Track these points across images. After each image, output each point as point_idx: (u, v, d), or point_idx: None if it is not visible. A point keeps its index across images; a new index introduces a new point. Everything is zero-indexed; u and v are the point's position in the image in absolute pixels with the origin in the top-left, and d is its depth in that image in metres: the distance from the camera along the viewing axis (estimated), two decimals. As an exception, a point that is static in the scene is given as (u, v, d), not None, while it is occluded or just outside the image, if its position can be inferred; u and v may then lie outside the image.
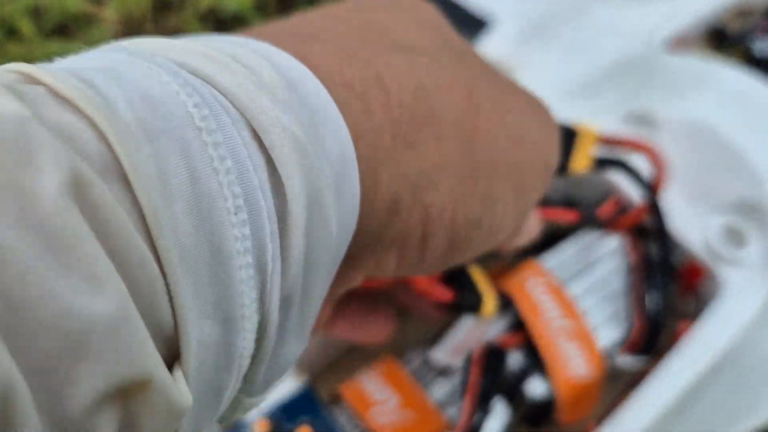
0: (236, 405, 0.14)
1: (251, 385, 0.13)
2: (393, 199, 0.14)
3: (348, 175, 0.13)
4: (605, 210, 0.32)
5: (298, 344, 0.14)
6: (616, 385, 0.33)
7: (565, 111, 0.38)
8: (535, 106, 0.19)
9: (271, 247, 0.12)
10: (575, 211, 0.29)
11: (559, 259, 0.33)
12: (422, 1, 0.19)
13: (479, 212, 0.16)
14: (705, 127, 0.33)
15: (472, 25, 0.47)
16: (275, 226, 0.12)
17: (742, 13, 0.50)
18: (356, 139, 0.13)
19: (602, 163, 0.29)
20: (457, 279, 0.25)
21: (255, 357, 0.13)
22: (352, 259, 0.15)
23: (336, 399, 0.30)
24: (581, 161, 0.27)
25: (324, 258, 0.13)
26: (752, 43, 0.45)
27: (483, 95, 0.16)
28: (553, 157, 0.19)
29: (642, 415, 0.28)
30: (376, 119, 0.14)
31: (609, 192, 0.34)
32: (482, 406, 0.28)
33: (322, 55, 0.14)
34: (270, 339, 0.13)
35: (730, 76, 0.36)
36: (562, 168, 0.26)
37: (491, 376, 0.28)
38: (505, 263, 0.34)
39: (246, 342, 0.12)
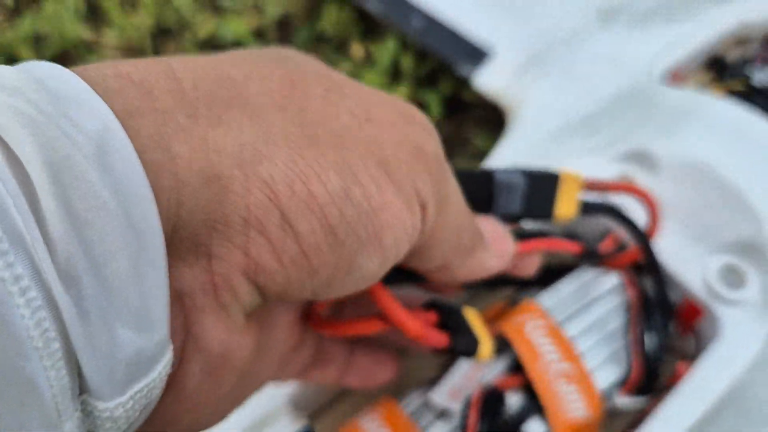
0: (88, 410, 0.14)
1: (87, 382, 0.13)
2: (212, 173, 0.15)
3: (115, 145, 0.13)
4: (605, 245, 0.32)
5: (135, 334, 0.13)
6: (616, 426, 0.33)
7: (564, 149, 0.38)
8: (383, 95, 0.18)
9: (20, 216, 0.12)
10: (579, 243, 0.29)
11: (557, 298, 0.32)
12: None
13: (340, 182, 0.15)
14: (704, 165, 0.33)
15: (473, 55, 0.47)
16: (18, 192, 0.12)
17: (741, 42, 0.50)
18: (129, 117, 0.14)
19: (591, 209, 0.29)
20: (452, 323, 0.25)
21: (65, 343, 0.13)
22: (203, 246, 0.15)
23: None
24: (567, 208, 0.26)
25: (106, 225, 0.13)
26: (752, 72, 0.45)
27: (310, 83, 0.17)
28: (426, 142, 0.18)
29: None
30: (162, 102, 0.15)
31: (607, 229, 0.34)
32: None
33: (104, 65, 0.15)
34: (70, 320, 0.12)
35: (728, 111, 0.36)
36: (548, 215, 0.26)
37: (489, 419, 0.28)
38: (503, 304, 0.34)
39: (29, 320, 0.12)
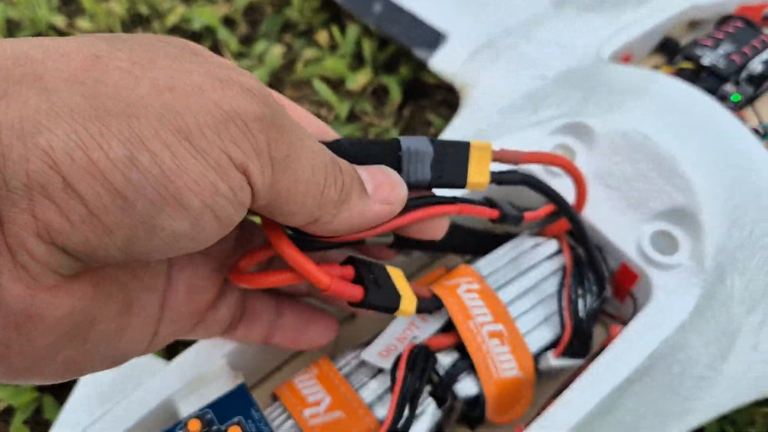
0: None
1: None
2: None
3: None
4: (533, 215, 0.33)
5: None
6: (553, 388, 0.34)
7: (507, 124, 0.39)
8: (208, 65, 0.19)
9: None
10: (496, 209, 0.30)
11: (494, 263, 0.33)
12: None
13: (123, 150, 0.16)
14: (638, 135, 0.34)
15: (430, 40, 0.48)
16: None
17: (694, 24, 0.51)
18: None
19: (507, 178, 0.29)
20: (373, 279, 0.25)
21: None
22: None
23: (272, 401, 0.31)
24: (480, 175, 0.27)
25: None
26: (703, 53, 0.46)
27: (116, 58, 0.17)
28: (244, 105, 0.18)
29: (568, 416, 0.29)
30: None
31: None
32: (410, 405, 0.28)
33: None
34: None
35: (667, 85, 0.37)
36: (461, 182, 0.27)
37: (418, 374, 0.29)
38: (443, 269, 0.35)
39: None
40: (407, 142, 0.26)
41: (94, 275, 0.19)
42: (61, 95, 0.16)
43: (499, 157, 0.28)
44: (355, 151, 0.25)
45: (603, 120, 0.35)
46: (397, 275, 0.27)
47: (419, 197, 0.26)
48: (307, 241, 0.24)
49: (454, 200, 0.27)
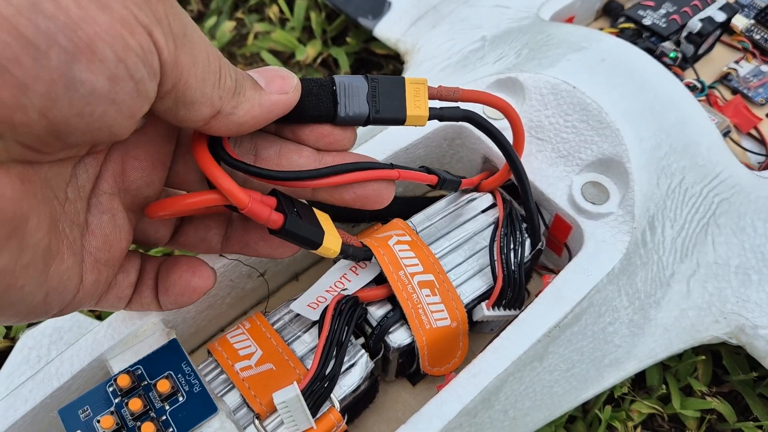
0: None
1: None
2: None
3: None
4: (470, 180, 0.33)
5: None
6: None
7: (445, 83, 0.39)
8: None
9: None
10: (434, 176, 0.30)
11: (429, 218, 0.34)
12: None
13: None
14: (566, 87, 0.34)
15: (377, 5, 0.48)
16: None
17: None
18: None
19: (447, 115, 0.29)
20: (297, 213, 0.25)
21: None
22: None
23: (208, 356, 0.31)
24: (419, 108, 0.27)
25: None
26: (644, 15, 0.47)
27: None
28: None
29: (496, 363, 0.29)
30: None
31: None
32: (337, 353, 0.28)
33: None
34: None
35: (601, 42, 0.37)
36: (401, 116, 0.27)
37: (344, 323, 0.29)
38: (378, 224, 0.35)
39: None
40: (342, 78, 0.26)
41: (21, 169, 0.19)
42: None
43: (437, 94, 0.28)
44: None
45: (535, 74, 0.35)
46: (323, 217, 0.27)
47: (360, 162, 0.26)
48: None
49: (391, 166, 0.27)
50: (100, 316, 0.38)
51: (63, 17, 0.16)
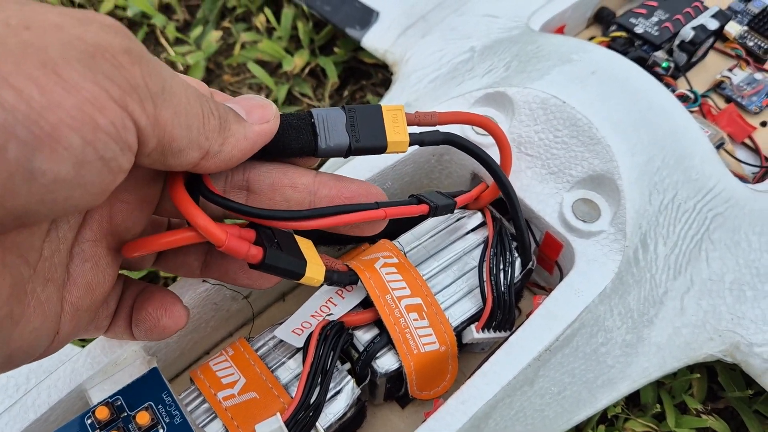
0: None
1: None
2: None
3: None
4: (465, 197, 0.32)
5: None
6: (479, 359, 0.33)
7: (434, 96, 0.38)
8: (58, 8, 0.18)
9: None
10: (426, 204, 0.29)
11: (417, 238, 0.33)
12: None
13: None
14: (556, 102, 0.34)
15: (364, 15, 0.47)
16: None
17: (630, -4, 0.51)
18: None
19: (429, 139, 0.28)
20: (278, 244, 0.25)
21: None
22: None
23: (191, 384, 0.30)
24: (399, 134, 0.27)
25: None
26: (636, 23, 0.46)
27: None
28: (109, 39, 0.17)
29: (485, 389, 0.29)
30: None
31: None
32: (322, 380, 0.28)
33: None
34: None
35: (592, 53, 0.37)
36: (382, 143, 0.26)
37: (329, 349, 0.28)
38: (365, 245, 0.34)
39: None
40: (319, 111, 0.26)
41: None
42: None
43: (415, 120, 0.28)
44: None
45: (524, 88, 0.34)
46: (306, 244, 0.27)
47: (344, 205, 0.26)
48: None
49: (377, 205, 0.27)
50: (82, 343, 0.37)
51: (24, 108, 0.15)
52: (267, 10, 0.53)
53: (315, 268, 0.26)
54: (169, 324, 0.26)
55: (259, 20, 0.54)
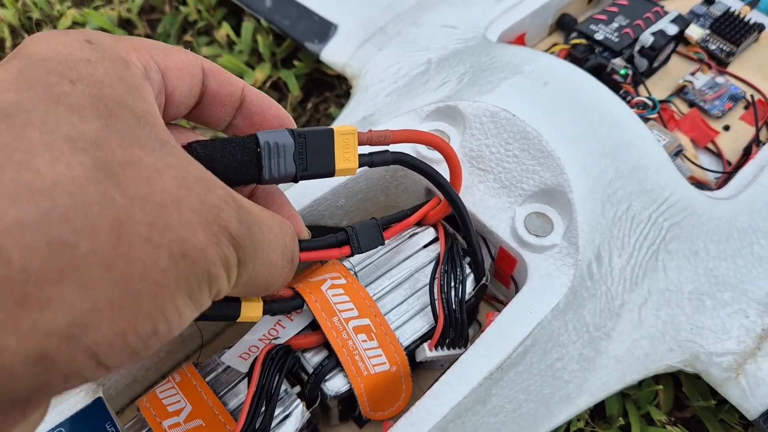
0: None
1: None
2: (39, 354, 0.15)
3: None
4: (414, 218, 0.32)
5: None
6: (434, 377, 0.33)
7: (389, 110, 0.38)
8: (188, 191, 0.18)
9: None
10: (347, 246, 0.29)
11: (368, 255, 0.32)
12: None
13: (150, 326, 0.17)
14: (506, 115, 0.33)
15: (323, 29, 0.47)
16: None
17: (592, 2, 0.50)
18: None
19: (378, 160, 0.28)
20: None
21: None
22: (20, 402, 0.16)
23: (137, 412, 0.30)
24: (348, 161, 0.26)
25: None
26: (596, 29, 0.45)
27: (135, 221, 0.16)
28: (228, 219, 0.19)
29: (434, 411, 0.28)
30: None
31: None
32: (267, 405, 0.27)
33: None
34: None
35: (542, 64, 0.36)
36: (330, 169, 0.26)
37: (275, 374, 0.28)
38: (317, 265, 0.34)
39: None
40: (266, 136, 0.24)
41: None
42: (100, 286, 0.16)
43: (368, 140, 0.27)
44: (209, 153, 0.23)
45: (475, 102, 0.34)
46: None
47: None
48: None
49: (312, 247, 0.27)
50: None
51: (165, 334, 0.18)
52: (226, 25, 0.53)
53: (251, 306, 0.25)
54: None
55: (220, 34, 0.53)
